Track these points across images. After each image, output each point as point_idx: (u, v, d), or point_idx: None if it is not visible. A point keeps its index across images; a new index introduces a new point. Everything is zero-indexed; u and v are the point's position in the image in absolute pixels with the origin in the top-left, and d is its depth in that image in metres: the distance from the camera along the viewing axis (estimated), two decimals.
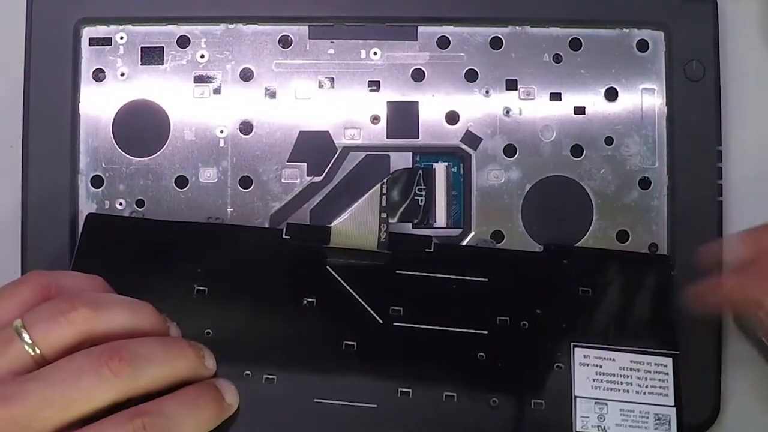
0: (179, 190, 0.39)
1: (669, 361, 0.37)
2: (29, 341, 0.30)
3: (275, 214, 0.39)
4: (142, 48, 0.40)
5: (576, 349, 0.37)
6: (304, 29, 0.40)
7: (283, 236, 0.38)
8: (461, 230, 0.39)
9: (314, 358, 0.35)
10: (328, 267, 0.37)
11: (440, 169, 0.40)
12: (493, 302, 0.38)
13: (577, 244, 0.39)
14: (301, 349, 0.36)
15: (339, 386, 0.36)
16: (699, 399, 0.39)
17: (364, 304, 0.37)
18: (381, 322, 0.37)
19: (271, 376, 0.35)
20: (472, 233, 0.39)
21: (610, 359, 0.37)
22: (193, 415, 0.32)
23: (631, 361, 0.37)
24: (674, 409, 0.36)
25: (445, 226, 0.39)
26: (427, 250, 0.38)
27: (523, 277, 0.38)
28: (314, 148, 0.39)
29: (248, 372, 0.35)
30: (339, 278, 0.37)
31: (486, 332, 0.37)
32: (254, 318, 0.36)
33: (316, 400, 0.35)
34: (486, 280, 0.38)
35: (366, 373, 0.36)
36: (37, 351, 0.30)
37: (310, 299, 0.37)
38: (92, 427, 0.29)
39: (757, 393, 0.40)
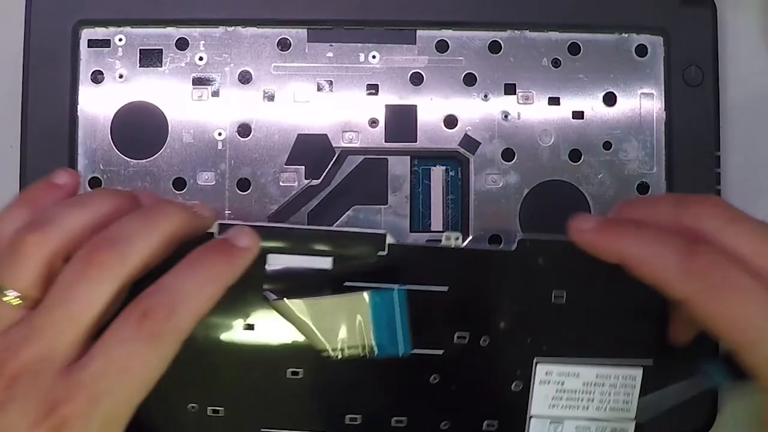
0: (177, 192, 0.39)
1: (639, 372, 0.35)
2: (5, 293, 0.29)
3: (273, 217, 0.39)
4: (140, 50, 0.40)
5: (539, 365, 0.34)
6: (302, 32, 0.40)
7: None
8: (459, 234, 0.39)
9: (259, 387, 0.33)
10: (265, 292, 0.33)
11: (436, 172, 0.40)
12: (451, 316, 0.34)
13: None
14: (244, 379, 0.34)
15: (286, 415, 0.34)
16: (695, 404, 0.39)
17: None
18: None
19: (217, 408, 0.34)
20: (470, 237, 0.39)
21: (574, 374, 0.35)
22: (198, 277, 0.30)
23: (596, 376, 0.35)
24: (633, 423, 0.35)
25: (441, 229, 0.39)
26: (380, 253, 0.34)
27: (490, 283, 0.34)
28: (312, 151, 0.39)
29: (193, 405, 0.34)
30: (276, 302, 0.33)
31: (441, 352, 0.34)
32: (194, 346, 0.32)
33: (263, 429, 0.34)
34: (446, 289, 0.34)
35: (313, 400, 0.34)
36: (18, 297, 0.29)
37: (249, 323, 0.34)
38: (104, 335, 0.29)
39: (754, 396, 0.40)
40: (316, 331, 0.33)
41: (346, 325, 0.33)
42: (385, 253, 0.34)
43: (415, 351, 0.34)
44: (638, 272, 0.31)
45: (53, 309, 0.29)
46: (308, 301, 0.33)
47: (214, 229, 0.32)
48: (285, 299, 0.33)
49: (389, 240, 0.34)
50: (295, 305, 0.33)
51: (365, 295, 0.33)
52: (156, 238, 0.30)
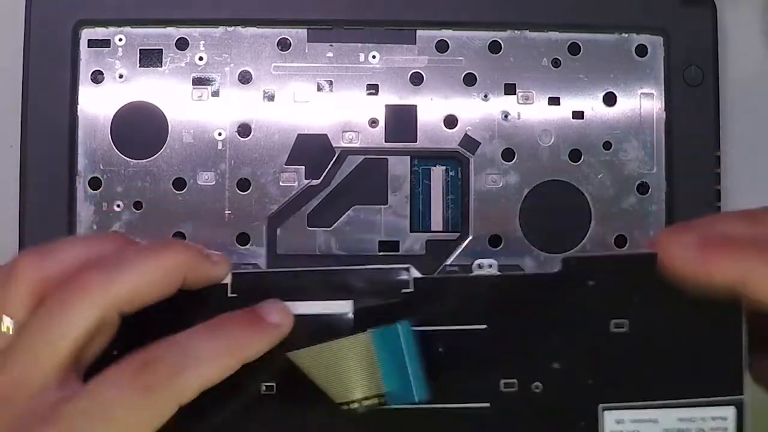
0: (177, 192, 0.39)
1: (731, 411, 0.29)
2: None
3: (272, 217, 0.39)
4: (140, 50, 0.40)
5: (606, 413, 0.29)
6: (302, 32, 0.40)
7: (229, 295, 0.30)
8: (459, 234, 0.39)
9: None
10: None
11: (436, 172, 0.40)
12: (495, 360, 0.29)
13: (575, 249, 0.39)
14: None
15: None
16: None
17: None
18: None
19: None
20: (470, 237, 0.39)
21: (652, 421, 0.29)
22: (216, 343, 0.27)
23: (679, 419, 0.29)
24: None
25: (441, 230, 0.39)
26: (404, 291, 0.29)
27: (536, 315, 0.29)
28: (312, 151, 0.39)
29: None
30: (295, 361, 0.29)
31: (488, 405, 0.29)
32: (204, 411, 0.29)
33: None
34: (485, 327, 0.29)
35: None
36: (9, 325, 0.28)
37: (268, 384, 0.30)
38: (98, 375, 0.27)
39: (755, 396, 0.40)
40: (326, 382, 0.29)
41: (356, 372, 0.29)
42: (410, 290, 0.29)
43: (456, 404, 0.29)
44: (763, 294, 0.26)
45: (32, 334, 0.27)
46: (310, 350, 0.29)
47: (228, 280, 0.30)
48: (289, 352, 0.29)
49: (414, 274, 0.30)
50: (300, 356, 0.29)
51: (369, 333, 0.29)
52: (150, 269, 0.28)
